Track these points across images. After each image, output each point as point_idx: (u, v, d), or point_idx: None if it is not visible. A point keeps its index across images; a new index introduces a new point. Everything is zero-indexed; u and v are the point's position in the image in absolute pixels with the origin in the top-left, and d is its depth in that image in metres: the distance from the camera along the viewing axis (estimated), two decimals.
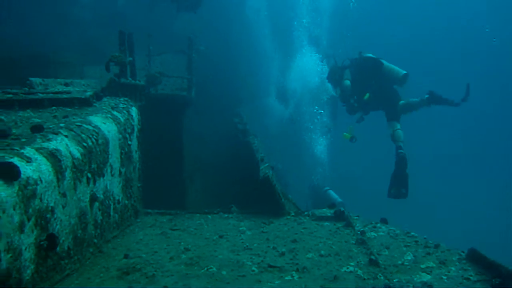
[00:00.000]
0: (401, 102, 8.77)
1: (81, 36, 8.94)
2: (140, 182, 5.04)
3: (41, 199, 2.75)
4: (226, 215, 5.02)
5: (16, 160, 2.62)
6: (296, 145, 14.07)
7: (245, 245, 3.89)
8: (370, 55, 9.46)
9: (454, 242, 3.91)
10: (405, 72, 8.86)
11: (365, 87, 9.09)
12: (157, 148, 6.82)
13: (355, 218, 4.81)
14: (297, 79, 13.75)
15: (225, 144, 9.24)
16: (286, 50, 14.95)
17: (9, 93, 4.31)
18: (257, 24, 13.85)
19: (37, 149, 2.89)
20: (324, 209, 5.03)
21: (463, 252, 3.62)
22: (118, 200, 4.25)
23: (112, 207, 4.06)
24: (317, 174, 13.43)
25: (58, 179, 2.98)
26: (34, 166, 2.74)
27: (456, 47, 30.15)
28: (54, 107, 4.08)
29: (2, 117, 3.60)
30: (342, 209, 4.82)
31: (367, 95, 8.91)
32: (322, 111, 12.25)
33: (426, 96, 8.39)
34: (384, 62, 9.09)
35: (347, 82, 9.56)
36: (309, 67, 13.61)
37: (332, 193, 11.52)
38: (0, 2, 9.13)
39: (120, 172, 4.31)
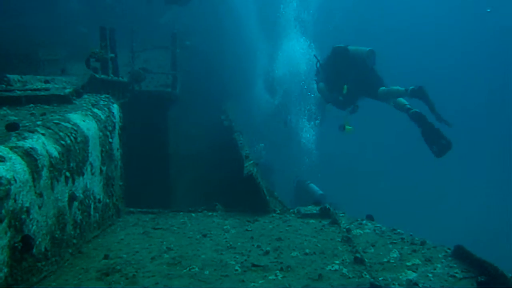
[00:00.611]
0: (382, 88, 8.60)
1: (70, 32, 8.81)
2: (122, 181, 4.93)
3: (15, 200, 2.65)
4: (210, 213, 4.93)
5: None
6: (284, 134, 14.02)
7: (228, 244, 3.82)
8: (339, 45, 9.35)
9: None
10: (369, 48, 8.75)
11: (341, 79, 9.01)
12: (142, 146, 6.74)
13: (341, 215, 4.76)
14: (284, 64, 13.68)
15: (212, 140, 9.18)
16: (273, 35, 14.89)
17: None
18: (244, 10, 13.76)
19: (11, 148, 2.80)
20: (310, 206, 4.97)
21: (449, 249, 3.59)
22: (99, 199, 4.15)
23: (92, 206, 3.96)
24: (303, 165, 13.44)
25: (34, 179, 2.88)
26: (8, 166, 2.64)
27: (456, 34, 30.17)
28: (32, 105, 3.97)
29: None
30: (328, 206, 4.76)
31: (345, 88, 8.85)
32: (313, 95, 12.10)
33: (412, 87, 8.10)
34: (350, 47, 8.98)
35: (321, 85, 9.68)
36: (296, 51, 13.55)
37: (313, 186, 11.54)
38: None
39: (101, 171, 4.21)
